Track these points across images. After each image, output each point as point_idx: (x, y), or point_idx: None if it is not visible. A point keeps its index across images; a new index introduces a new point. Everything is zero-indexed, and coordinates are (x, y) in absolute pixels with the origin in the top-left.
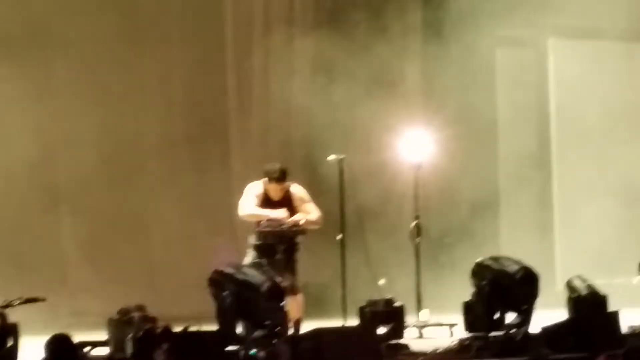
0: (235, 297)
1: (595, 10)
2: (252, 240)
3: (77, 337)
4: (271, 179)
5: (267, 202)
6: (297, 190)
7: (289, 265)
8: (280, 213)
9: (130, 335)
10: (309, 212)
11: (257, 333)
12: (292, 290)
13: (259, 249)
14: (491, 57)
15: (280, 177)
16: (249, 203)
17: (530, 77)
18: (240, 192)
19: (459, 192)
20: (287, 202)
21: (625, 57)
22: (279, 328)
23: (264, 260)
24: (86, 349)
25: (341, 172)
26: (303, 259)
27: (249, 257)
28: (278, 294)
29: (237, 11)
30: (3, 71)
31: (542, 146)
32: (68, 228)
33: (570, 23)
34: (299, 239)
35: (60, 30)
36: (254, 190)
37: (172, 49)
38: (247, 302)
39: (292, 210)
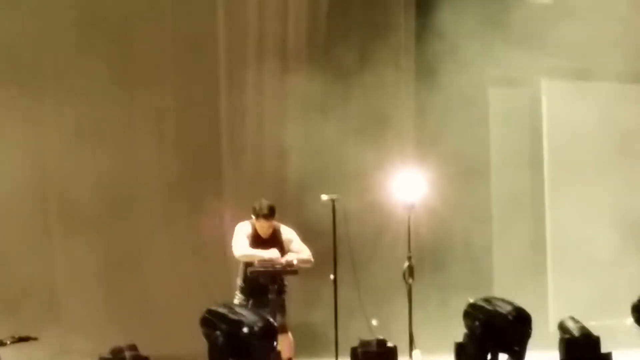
0: (228, 336)
1: (588, 52)
2: (239, 282)
3: None
4: (259, 216)
5: (256, 241)
6: (285, 230)
7: (279, 304)
8: (274, 253)
9: None
10: (299, 251)
11: None
12: (283, 329)
13: (246, 290)
14: (484, 97)
15: (269, 213)
16: (242, 244)
17: (523, 117)
18: (232, 234)
19: (452, 232)
20: (276, 240)
21: (618, 99)
22: None
23: (252, 302)
24: None
25: (334, 212)
26: (296, 298)
27: (237, 299)
28: (271, 333)
29: (231, 51)
30: None
31: (535, 186)
32: (61, 265)
33: (563, 64)
34: (287, 279)
35: (52, 66)
36: (243, 230)
37: (165, 87)
38: (240, 342)
39: (282, 250)
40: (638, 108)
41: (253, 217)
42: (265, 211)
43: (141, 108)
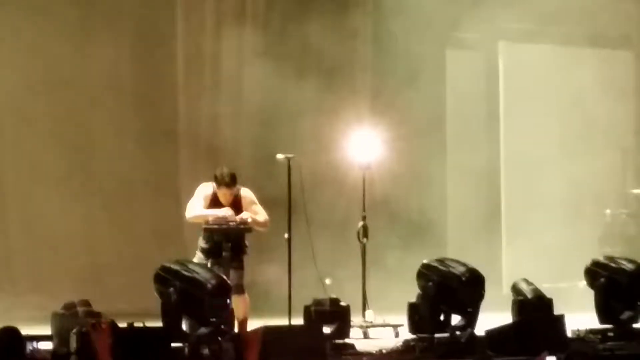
0: (181, 294)
1: (545, 15)
2: (201, 242)
3: (21, 331)
4: (221, 184)
5: (216, 204)
6: (246, 193)
7: (235, 264)
8: (226, 211)
9: (74, 330)
10: (257, 214)
11: (202, 330)
12: (238, 289)
13: (206, 250)
14: (441, 59)
15: (230, 182)
16: (195, 205)
17: (479, 79)
18: (187, 193)
19: (407, 193)
20: (236, 205)
21: (574, 61)
22: (224, 326)
23: (211, 261)
24: (35, 343)
25: (289, 171)
26: (250, 257)
27: (196, 258)
28: (224, 291)
29: (189, 7)
30: None
31: (490, 148)
32: (14, 223)
33: (520, 27)
34: (247, 240)
35: (7, 22)
36: (204, 191)
37: (122, 48)
38: (193, 299)
39: (241, 212)
40: (593, 71)
41: (214, 184)
42: (226, 180)
43: (98, 61)
